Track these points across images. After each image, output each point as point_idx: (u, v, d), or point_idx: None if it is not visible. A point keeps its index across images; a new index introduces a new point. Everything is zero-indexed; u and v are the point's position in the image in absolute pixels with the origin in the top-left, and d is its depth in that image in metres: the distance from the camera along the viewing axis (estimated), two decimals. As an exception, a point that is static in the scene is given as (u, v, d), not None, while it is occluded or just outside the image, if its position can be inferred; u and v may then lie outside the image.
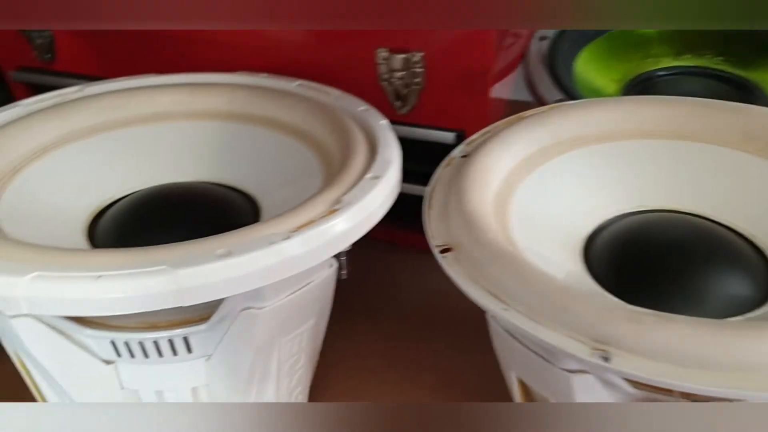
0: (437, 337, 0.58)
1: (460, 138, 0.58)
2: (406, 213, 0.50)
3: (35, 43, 0.63)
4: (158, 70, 0.58)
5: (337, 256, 0.47)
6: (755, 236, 0.45)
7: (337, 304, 0.48)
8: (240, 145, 0.53)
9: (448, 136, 0.58)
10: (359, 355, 0.57)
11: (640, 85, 0.70)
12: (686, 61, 0.73)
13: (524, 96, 0.66)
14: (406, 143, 0.58)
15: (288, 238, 0.36)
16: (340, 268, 0.47)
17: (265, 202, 0.49)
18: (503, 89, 0.63)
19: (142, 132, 0.52)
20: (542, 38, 0.68)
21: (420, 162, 0.56)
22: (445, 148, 0.58)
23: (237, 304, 0.38)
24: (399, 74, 0.54)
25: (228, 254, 0.34)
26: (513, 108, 0.66)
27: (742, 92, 0.68)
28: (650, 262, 0.43)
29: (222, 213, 0.47)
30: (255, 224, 0.37)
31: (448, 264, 0.38)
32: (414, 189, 0.57)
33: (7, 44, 0.65)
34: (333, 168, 0.46)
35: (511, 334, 0.38)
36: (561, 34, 0.69)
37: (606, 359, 0.32)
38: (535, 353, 0.36)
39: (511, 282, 0.35)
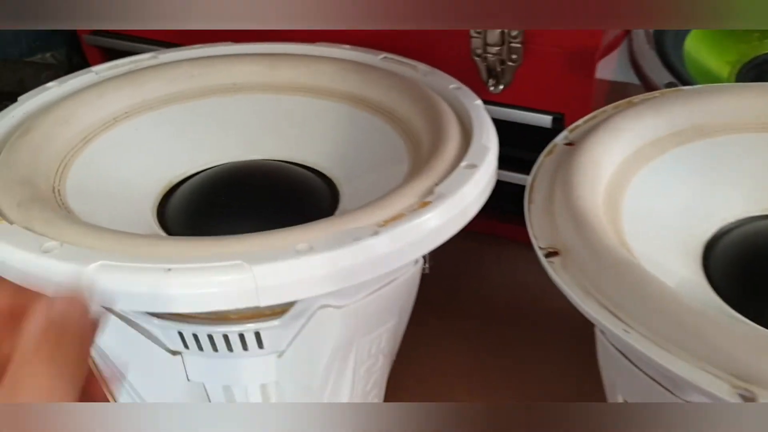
0: (524, 340, 0.54)
1: (558, 122, 0.53)
2: (494, 201, 0.45)
3: (110, 6, 0.60)
4: (234, 37, 0.54)
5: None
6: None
7: (422, 294, 0.45)
8: (321, 123, 0.49)
9: (544, 119, 0.52)
10: (436, 355, 0.53)
11: (758, 69, 0.63)
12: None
13: (626, 77, 0.60)
14: (497, 125, 0.53)
15: (376, 233, 0.32)
16: (423, 262, 0.43)
17: (345, 187, 0.45)
18: (605, 69, 0.57)
19: (218, 103, 0.49)
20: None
21: (513, 146, 0.51)
22: (541, 133, 0.53)
23: (314, 301, 0.35)
24: (494, 49, 0.49)
25: (309, 250, 0.30)
26: (614, 89, 0.60)
27: None
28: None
29: (301, 197, 0.44)
30: (338, 216, 0.33)
31: (555, 271, 0.34)
32: (504, 176, 0.52)
33: (82, 6, 0.62)
34: (422, 153, 0.42)
35: (626, 355, 0.33)
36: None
37: (748, 400, 0.27)
38: (654, 380, 0.32)
39: (632, 298, 0.30)
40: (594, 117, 0.45)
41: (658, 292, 0.30)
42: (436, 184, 0.36)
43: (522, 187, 0.40)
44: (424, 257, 0.43)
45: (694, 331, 0.28)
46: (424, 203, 0.34)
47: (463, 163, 0.38)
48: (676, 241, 0.40)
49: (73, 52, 0.72)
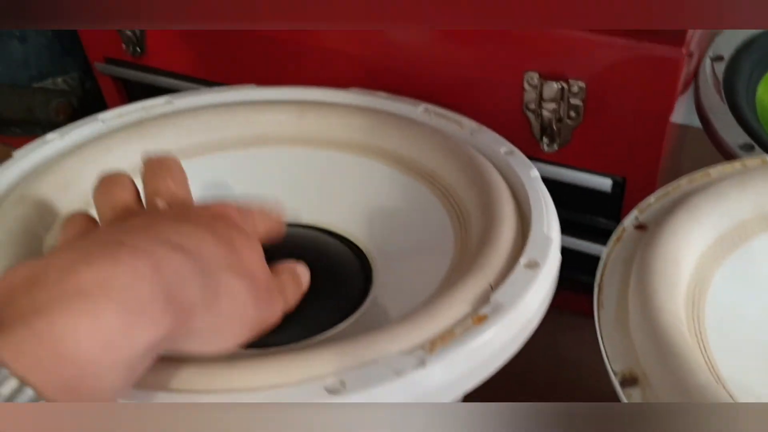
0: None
1: (618, 186, 0.47)
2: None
3: (125, 35, 0.55)
4: (256, 75, 0.49)
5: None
6: None
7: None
8: (354, 183, 0.43)
9: (605, 182, 0.47)
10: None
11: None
12: None
13: (685, 119, 0.54)
14: (551, 185, 0.48)
15: (422, 363, 0.26)
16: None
17: (379, 263, 0.40)
18: (678, 114, 0.51)
19: (239, 158, 0.44)
20: (717, 59, 0.56)
21: (568, 209, 0.45)
22: (600, 196, 0.47)
23: None
24: (551, 105, 0.44)
25: (342, 388, 0.25)
26: (679, 133, 0.54)
27: None
28: None
29: (333, 275, 0.38)
30: (373, 335, 0.28)
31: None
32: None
33: (96, 33, 0.57)
34: (470, 233, 0.36)
35: None
36: (740, 53, 0.56)
37: None
38: None
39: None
40: (667, 194, 0.39)
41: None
42: (493, 289, 0.30)
43: (572, 252, 0.34)
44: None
45: None
46: (479, 318, 0.29)
47: (524, 260, 0.32)
48: None
49: (86, 76, 0.68)
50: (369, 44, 0.49)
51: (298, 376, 0.26)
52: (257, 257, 0.29)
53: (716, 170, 0.41)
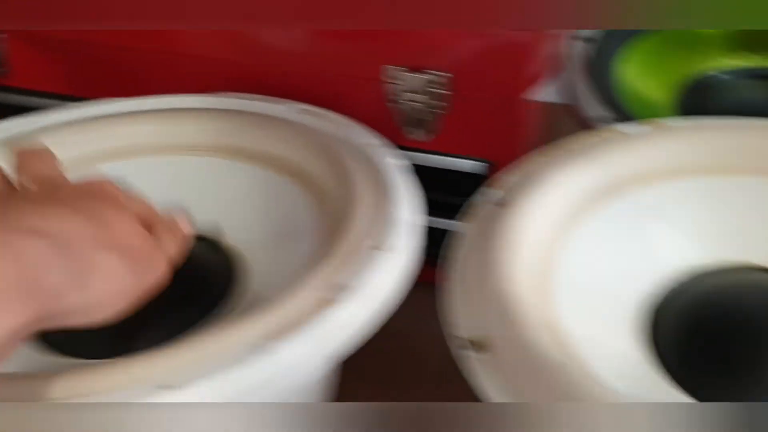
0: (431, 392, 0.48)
1: (489, 168, 0.48)
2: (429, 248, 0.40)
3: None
4: (125, 89, 0.49)
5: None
6: None
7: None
8: (222, 185, 0.44)
9: (472, 165, 0.48)
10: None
11: (696, 91, 0.60)
12: (749, 60, 0.62)
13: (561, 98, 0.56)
14: (421, 171, 0.49)
15: (265, 352, 0.27)
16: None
17: (253, 263, 0.40)
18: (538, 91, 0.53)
19: (105, 170, 0.43)
20: (580, 39, 0.58)
21: (437, 191, 0.46)
22: (469, 177, 0.49)
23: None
24: (416, 97, 0.45)
25: (173, 387, 0.25)
26: (546, 112, 0.56)
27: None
28: (740, 348, 0.34)
29: (193, 279, 0.38)
30: (219, 330, 0.28)
31: (479, 368, 0.29)
32: (437, 223, 0.48)
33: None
34: (335, 224, 0.37)
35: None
36: (604, 34, 0.59)
37: None
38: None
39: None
40: (524, 169, 0.41)
41: (590, 394, 0.26)
42: (343, 275, 0.31)
43: (450, 234, 0.36)
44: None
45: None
46: (326, 302, 0.29)
47: (377, 243, 0.33)
48: (619, 310, 0.36)
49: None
50: (237, 49, 0.50)
51: (128, 378, 0.26)
52: (129, 226, 0.29)
53: (574, 143, 0.43)
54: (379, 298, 0.31)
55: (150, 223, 0.31)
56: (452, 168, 0.49)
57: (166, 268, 0.31)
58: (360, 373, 0.49)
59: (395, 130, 0.47)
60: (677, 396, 0.32)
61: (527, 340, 0.29)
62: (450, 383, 0.49)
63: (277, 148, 0.43)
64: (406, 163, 0.40)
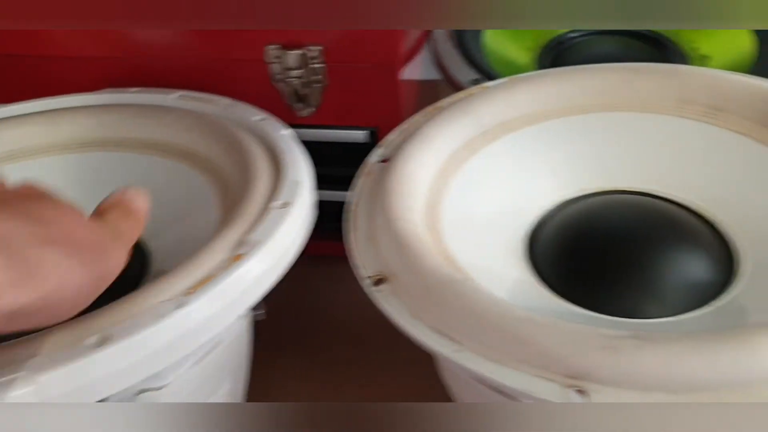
0: (373, 357, 0.52)
1: (374, 136, 0.52)
2: (322, 221, 0.43)
3: None
4: (3, 96, 0.49)
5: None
6: (706, 209, 0.41)
7: (260, 338, 0.42)
8: (118, 177, 0.45)
9: (360, 135, 0.51)
10: (289, 389, 0.51)
11: (554, 51, 0.66)
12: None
13: (436, 74, 0.61)
14: (315, 146, 0.52)
15: (181, 305, 0.29)
16: (257, 308, 0.41)
17: (154, 247, 0.42)
18: (413, 70, 0.57)
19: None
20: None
21: (333, 165, 0.49)
22: (360, 148, 0.52)
23: (128, 389, 0.31)
24: (296, 73, 0.48)
25: (103, 342, 0.27)
26: (426, 89, 0.60)
27: (657, 48, 0.65)
28: (599, 256, 0.39)
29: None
30: (138, 292, 0.30)
31: (383, 299, 0.33)
32: (329, 195, 0.51)
33: None
34: (232, 196, 0.39)
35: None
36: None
37: (582, 396, 0.27)
38: (496, 390, 0.31)
39: (460, 316, 0.30)
40: (405, 129, 0.45)
41: (483, 305, 0.30)
42: (248, 232, 0.34)
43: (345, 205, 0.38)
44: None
45: (520, 338, 0.28)
46: (236, 257, 0.32)
47: (276, 203, 0.36)
48: (501, 240, 0.41)
49: None
50: (115, 45, 0.51)
51: (61, 341, 0.27)
52: (71, 219, 0.28)
53: (446, 101, 0.47)
54: (282, 251, 0.33)
55: (99, 211, 0.31)
56: (343, 140, 0.52)
57: (122, 252, 0.29)
58: (281, 342, 0.51)
59: (285, 108, 0.50)
60: (560, 304, 0.37)
61: (422, 266, 0.32)
62: (364, 344, 0.53)
63: (162, 134, 0.45)
64: (293, 132, 0.43)
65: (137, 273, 0.41)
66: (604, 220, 0.41)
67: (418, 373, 0.50)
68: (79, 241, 0.27)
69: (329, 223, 0.44)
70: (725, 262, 0.39)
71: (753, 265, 0.38)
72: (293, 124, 0.51)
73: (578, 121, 0.45)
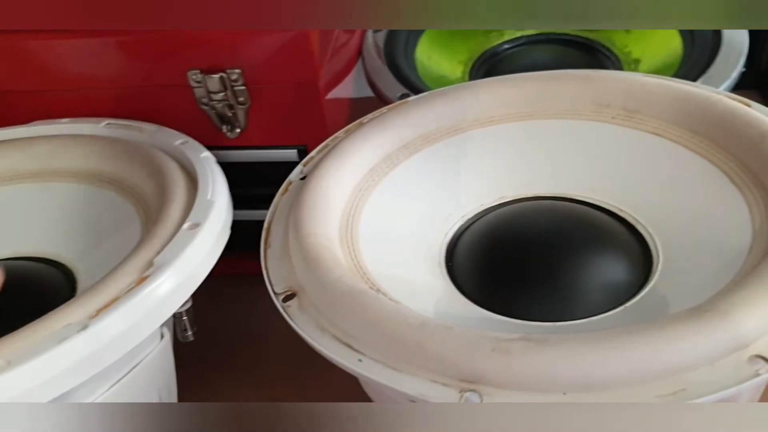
0: (311, 378, 0.52)
1: (304, 154, 0.52)
2: (257, 241, 0.43)
3: None
4: None
5: (177, 317, 0.41)
6: (624, 210, 0.42)
7: (198, 360, 0.42)
8: (50, 208, 0.45)
9: (290, 154, 0.52)
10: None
11: (487, 63, 0.67)
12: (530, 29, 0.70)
13: (368, 92, 0.62)
14: (247, 167, 0.52)
15: (85, 327, 0.29)
16: (183, 330, 0.41)
17: (82, 270, 0.42)
18: (345, 88, 0.58)
19: None
20: (376, 30, 0.64)
21: (266, 185, 0.50)
22: (291, 166, 0.52)
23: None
24: (219, 96, 0.48)
25: (7, 366, 0.27)
26: (359, 106, 0.61)
27: (589, 54, 0.67)
28: (514, 262, 0.39)
29: (31, 298, 0.40)
30: (46, 316, 0.30)
31: (291, 314, 0.33)
32: (261, 215, 0.51)
33: None
34: (153, 219, 0.40)
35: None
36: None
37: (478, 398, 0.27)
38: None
39: (362, 326, 0.30)
40: (326, 145, 0.45)
41: (382, 314, 0.30)
42: (157, 254, 0.34)
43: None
44: (181, 324, 0.41)
45: (416, 345, 0.28)
46: (142, 279, 0.32)
47: (186, 225, 0.36)
48: (420, 251, 0.41)
49: None
50: (45, 78, 0.51)
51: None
52: None
53: (368, 117, 0.48)
54: (190, 270, 0.34)
55: None
56: (274, 159, 0.53)
57: None
58: (218, 362, 0.51)
59: (214, 131, 0.50)
60: (477, 312, 0.37)
61: (327, 279, 0.33)
62: (288, 364, 0.53)
63: (91, 162, 0.45)
64: (213, 154, 0.44)
65: (66, 296, 0.41)
66: (520, 227, 0.42)
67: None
68: None
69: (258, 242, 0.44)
70: (642, 261, 0.39)
71: (669, 261, 0.39)
72: (224, 147, 0.51)
73: (498, 131, 0.46)
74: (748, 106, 0.40)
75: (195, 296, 0.42)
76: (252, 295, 0.55)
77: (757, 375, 0.26)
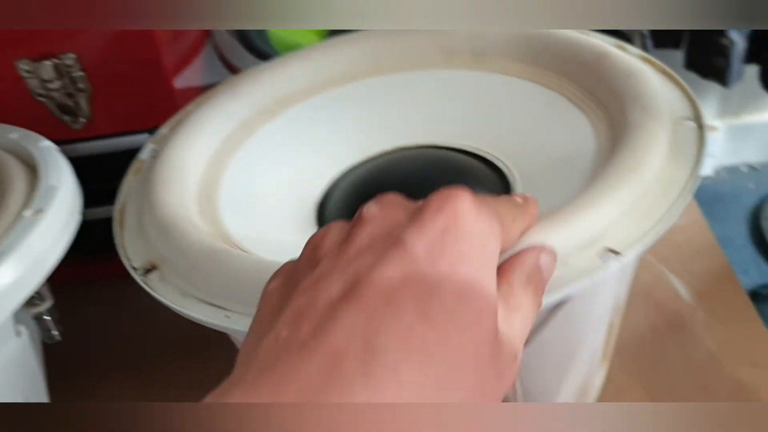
0: (196, 365, 0.50)
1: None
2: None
3: None
4: None
5: (38, 317, 0.38)
6: (483, 151, 0.43)
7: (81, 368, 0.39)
8: None
9: (142, 140, 0.50)
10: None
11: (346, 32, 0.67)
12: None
13: (223, 77, 0.60)
14: (99, 160, 0.49)
15: None
16: (47, 330, 0.39)
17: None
18: (197, 75, 0.56)
19: None
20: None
21: (121, 178, 0.47)
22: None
23: None
24: (55, 85, 0.45)
25: None
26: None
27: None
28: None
29: None
30: None
31: (154, 286, 0.31)
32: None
33: None
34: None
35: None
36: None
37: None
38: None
39: (226, 283, 0.29)
40: (176, 119, 0.44)
41: (245, 268, 0.29)
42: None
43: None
44: (45, 323, 0.38)
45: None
46: (-16, 270, 0.30)
47: (28, 211, 0.34)
48: (289, 213, 0.41)
49: None
50: None
51: None
52: None
53: (218, 88, 0.46)
54: (35, 257, 0.32)
55: None
56: (126, 147, 0.50)
57: None
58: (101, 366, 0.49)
59: (58, 123, 0.47)
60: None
61: (186, 244, 0.31)
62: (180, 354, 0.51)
63: None
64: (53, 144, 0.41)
65: None
66: (385, 178, 0.42)
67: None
68: None
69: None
70: (502, 192, 0.40)
71: (527, 189, 0.40)
72: (70, 140, 0.48)
73: (353, 88, 0.46)
74: (623, 49, 0.41)
75: (65, 301, 0.40)
76: (129, 297, 0.53)
77: (606, 265, 0.27)
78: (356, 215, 0.24)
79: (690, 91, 0.37)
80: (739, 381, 0.44)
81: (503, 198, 0.27)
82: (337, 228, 0.24)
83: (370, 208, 0.23)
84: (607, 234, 0.28)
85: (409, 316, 0.19)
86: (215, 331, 0.29)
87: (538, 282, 0.24)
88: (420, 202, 0.23)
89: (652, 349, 0.46)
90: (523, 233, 0.26)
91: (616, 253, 0.28)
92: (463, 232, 0.21)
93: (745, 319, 0.49)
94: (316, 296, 0.20)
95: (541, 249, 0.25)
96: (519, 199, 0.27)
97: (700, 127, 0.34)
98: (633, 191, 0.30)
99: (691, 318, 0.48)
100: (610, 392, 0.43)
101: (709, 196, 1.33)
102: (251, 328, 0.22)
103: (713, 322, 0.48)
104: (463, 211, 0.22)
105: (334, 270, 0.21)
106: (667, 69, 0.40)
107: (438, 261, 0.21)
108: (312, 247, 0.24)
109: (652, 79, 0.37)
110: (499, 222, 0.23)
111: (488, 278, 0.22)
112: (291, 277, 0.23)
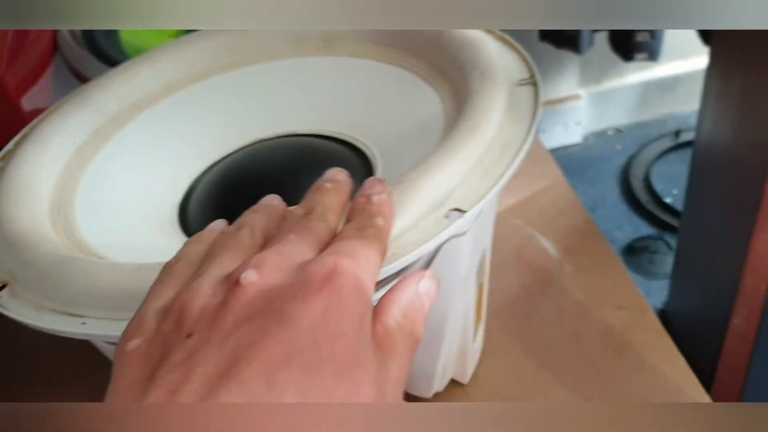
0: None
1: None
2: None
3: None
4: None
5: None
6: (339, 132, 0.44)
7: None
8: None
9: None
10: None
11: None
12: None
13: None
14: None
15: None
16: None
17: None
18: (46, 94, 0.54)
19: None
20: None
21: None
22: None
23: None
24: None
25: None
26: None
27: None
28: (244, 201, 0.39)
29: None
30: None
31: (4, 303, 0.30)
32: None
33: None
34: None
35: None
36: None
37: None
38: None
39: (79, 290, 0.28)
40: (23, 135, 0.42)
41: (98, 272, 0.29)
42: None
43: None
44: None
45: (136, 289, 0.27)
46: None
47: None
48: (151, 216, 0.40)
49: None
50: None
51: None
52: None
53: (65, 99, 0.44)
54: None
55: None
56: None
57: None
58: None
59: None
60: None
61: (37, 257, 0.30)
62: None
63: None
64: None
65: None
66: (246, 171, 0.42)
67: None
68: None
69: None
70: (364, 169, 0.41)
71: (386, 163, 0.41)
72: None
73: (205, 87, 0.46)
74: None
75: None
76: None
77: (453, 224, 0.28)
78: (231, 278, 0.22)
79: (526, 54, 0.39)
80: (607, 324, 0.47)
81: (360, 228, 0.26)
82: (207, 288, 0.22)
83: (249, 275, 0.22)
84: (453, 194, 0.29)
85: (289, 400, 0.19)
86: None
87: (416, 316, 0.24)
88: (303, 261, 0.23)
89: (525, 306, 0.48)
90: (389, 232, 0.27)
91: (462, 211, 0.29)
92: (343, 311, 0.21)
93: (610, 268, 0.52)
94: (191, 373, 0.19)
95: (420, 276, 0.25)
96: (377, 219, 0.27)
97: (536, 87, 0.36)
98: (473, 152, 0.31)
99: (560, 272, 0.51)
100: (489, 352, 0.45)
101: (580, 162, 1.40)
102: (111, 393, 0.21)
103: (580, 274, 0.51)
104: (348, 290, 0.22)
105: (209, 344, 0.20)
106: (506, 36, 0.42)
107: (320, 340, 0.20)
108: (179, 310, 0.22)
109: (490, 47, 0.39)
110: (376, 274, 0.24)
111: (364, 349, 0.22)
112: (155, 342, 0.21)
